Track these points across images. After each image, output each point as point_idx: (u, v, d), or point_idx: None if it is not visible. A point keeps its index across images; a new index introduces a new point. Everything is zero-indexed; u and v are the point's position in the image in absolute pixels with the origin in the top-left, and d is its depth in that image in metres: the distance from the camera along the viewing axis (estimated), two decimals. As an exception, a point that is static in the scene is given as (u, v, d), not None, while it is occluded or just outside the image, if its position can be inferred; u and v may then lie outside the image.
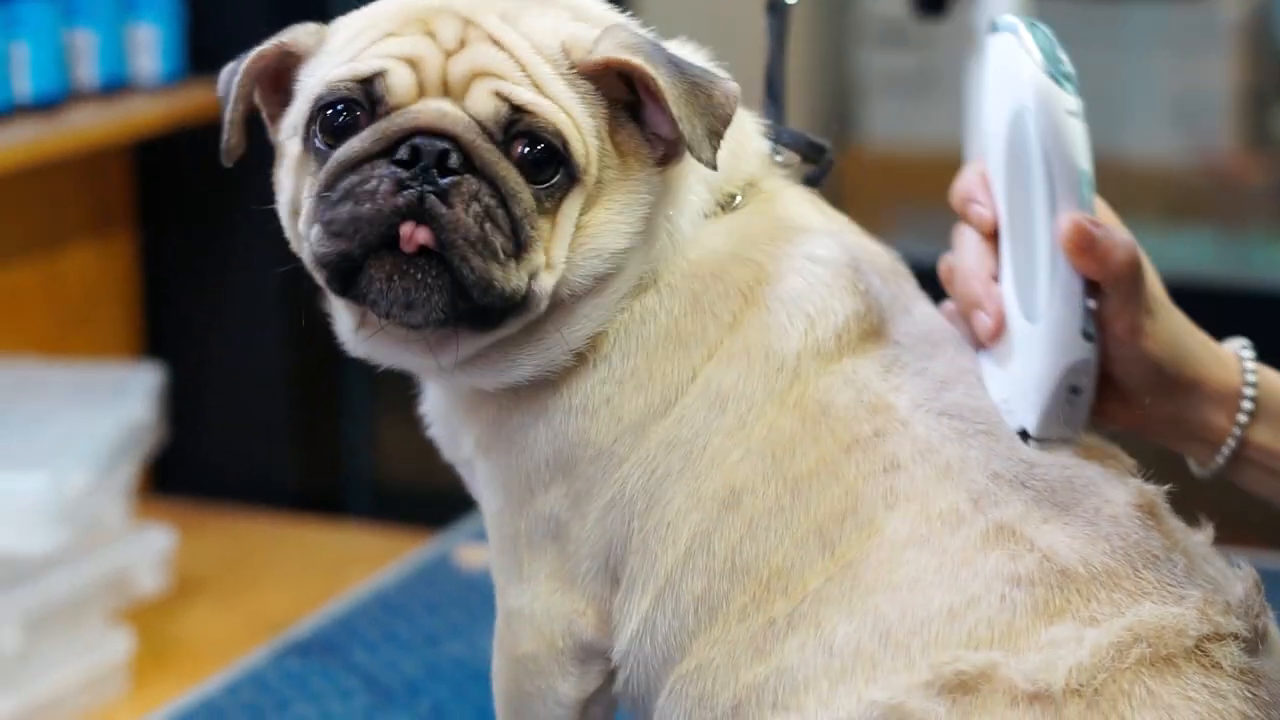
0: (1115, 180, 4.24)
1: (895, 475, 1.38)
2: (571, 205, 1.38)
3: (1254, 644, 1.35)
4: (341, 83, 1.38)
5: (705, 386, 1.41)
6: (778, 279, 1.43)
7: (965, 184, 1.46)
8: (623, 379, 1.42)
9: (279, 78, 1.45)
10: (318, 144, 1.39)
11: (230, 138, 1.46)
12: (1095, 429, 1.45)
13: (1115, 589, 1.33)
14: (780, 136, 1.53)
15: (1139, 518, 1.37)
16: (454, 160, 1.35)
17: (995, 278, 1.43)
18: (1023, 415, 1.38)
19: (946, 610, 1.33)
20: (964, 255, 1.45)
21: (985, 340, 1.42)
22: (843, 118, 4.64)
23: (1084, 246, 1.34)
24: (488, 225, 1.34)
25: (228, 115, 1.46)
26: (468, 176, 1.35)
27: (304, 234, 1.39)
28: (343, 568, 3.36)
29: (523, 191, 1.36)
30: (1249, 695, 1.33)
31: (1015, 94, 1.38)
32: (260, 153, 1.44)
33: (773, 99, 1.59)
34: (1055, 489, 1.38)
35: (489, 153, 1.36)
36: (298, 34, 1.44)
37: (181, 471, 3.62)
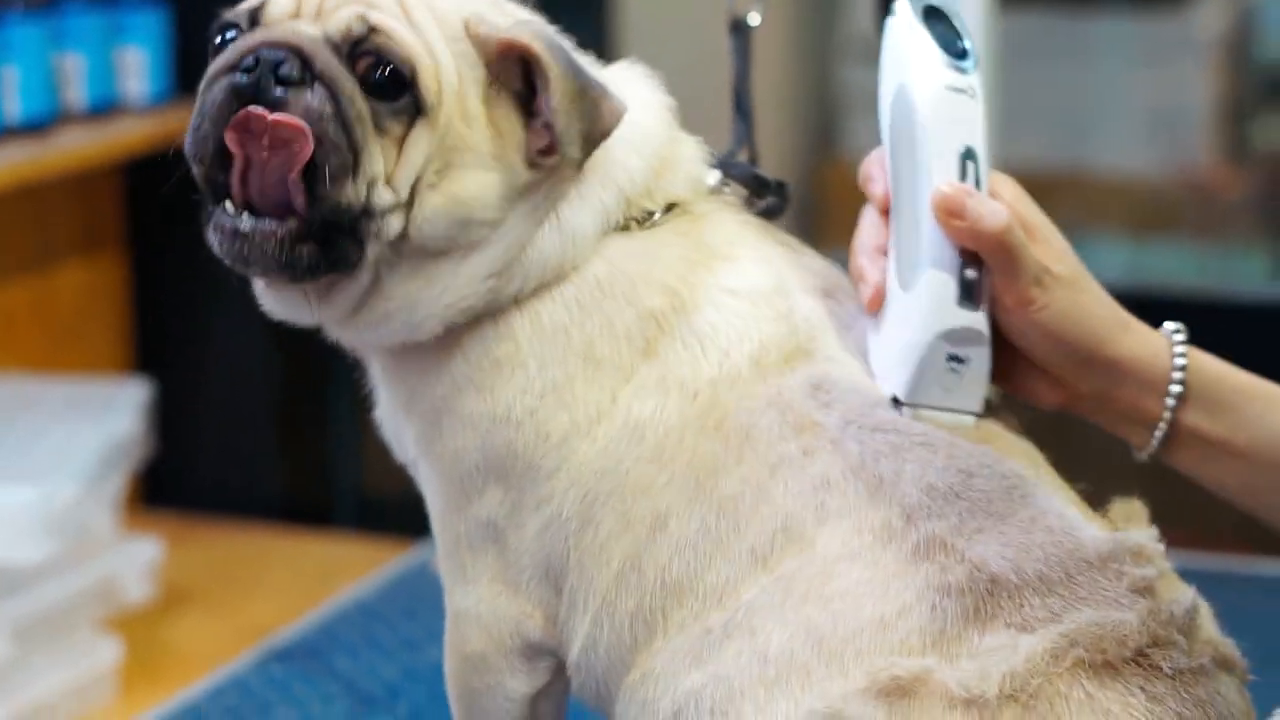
0: (1093, 193, 4.30)
1: (826, 493, 1.39)
2: (419, 136, 1.41)
3: (1193, 652, 1.36)
4: (236, 12, 1.45)
5: (626, 415, 1.43)
6: (694, 309, 1.45)
7: (866, 163, 1.48)
8: (543, 392, 1.44)
9: None
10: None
11: None
12: (1026, 409, 1.48)
13: (1049, 595, 1.34)
14: (728, 169, 1.54)
15: (1076, 525, 1.38)
16: (288, 69, 1.38)
17: (884, 251, 1.45)
18: (894, 381, 1.40)
19: (878, 619, 1.34)
20: (859, 232, 1.47)
21: (866, 309, 1.44)
22: (825, 132, 4.69)
23: (954, 211, 1.38)
24: (320, 146, 1.38)
25: None
26: (304, 88, 1.39)
27: None
28: (329, 577, 3.39)
29: (357, 100, 1.40)
30: (1185, 695, 1.33)
31: (900, 71, 1.41)
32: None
33: (741, 116, 1.62)
34: (991, 499, 1.38)
35: (327, 62, 1.40)
36: None
37: (169, 484, 3.66)
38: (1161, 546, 1.41)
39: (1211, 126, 4.61)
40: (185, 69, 3.54)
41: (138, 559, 3.14)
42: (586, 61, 1.49)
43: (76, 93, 3.37)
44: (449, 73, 1.42)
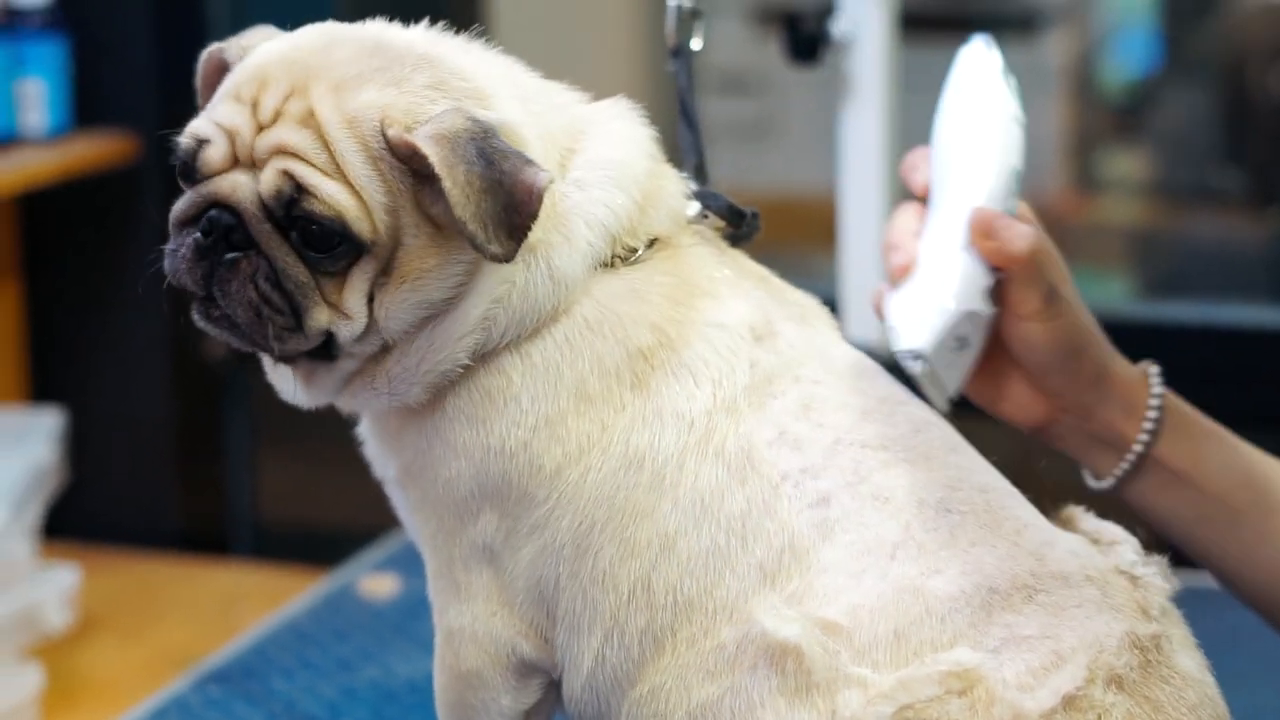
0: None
1: (826, 508, 1.45)
2: (363, 268, 1.47)
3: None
4: (186, 140, 1.50)
5: (623, 447, 1.48)
6: (682, 345, 1.49)
7: (912, 156, 1.58)
8: (536, 426, 1.48)
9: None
10: (181, 183, 1.52)
11: None
12: (1009, 423, 1.56)
13: (1042, 605, 1.42)
14: (705, 200, 1.59)
15: (1052, 535, 1.47)
16: (237, 236, 1.47)
17: (918, 236, 1.53)
18: (916, 337, 1.48)
19: (892, 634, 1.41)
20: (896, 214, 1.57)
21: (892, 276, 1.51)
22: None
23: (987, 233, 1.48)
24: (264, 309, 1.47)
25: (199, 103, 1.57)
26: (249, 254, 1.47)
27: None
28: (232, 604, 3.42)
29: (294, 268, 1.46)
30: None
31: (974, 95, 1.55)
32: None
33: (691, 131, 1.66)
34: (977, 513, 1.46)
35: (265, 232, 1.47)
36: (231, 46, 1.55)
37: (70, 514, 3.65)
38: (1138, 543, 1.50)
39: (1062, 156, 4.74)
40: (84, 101, 3.55)
41: (57, 586, 3.14)
42: (543, 99, 1.54)
43: (-25, 123, 3.36)
44: (380, 207, 1.46)
